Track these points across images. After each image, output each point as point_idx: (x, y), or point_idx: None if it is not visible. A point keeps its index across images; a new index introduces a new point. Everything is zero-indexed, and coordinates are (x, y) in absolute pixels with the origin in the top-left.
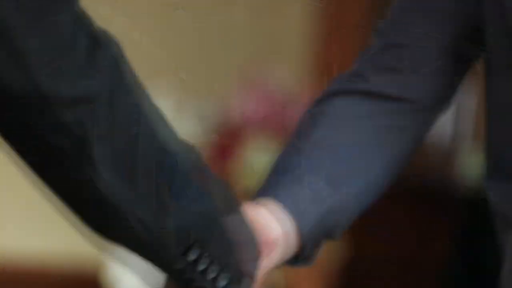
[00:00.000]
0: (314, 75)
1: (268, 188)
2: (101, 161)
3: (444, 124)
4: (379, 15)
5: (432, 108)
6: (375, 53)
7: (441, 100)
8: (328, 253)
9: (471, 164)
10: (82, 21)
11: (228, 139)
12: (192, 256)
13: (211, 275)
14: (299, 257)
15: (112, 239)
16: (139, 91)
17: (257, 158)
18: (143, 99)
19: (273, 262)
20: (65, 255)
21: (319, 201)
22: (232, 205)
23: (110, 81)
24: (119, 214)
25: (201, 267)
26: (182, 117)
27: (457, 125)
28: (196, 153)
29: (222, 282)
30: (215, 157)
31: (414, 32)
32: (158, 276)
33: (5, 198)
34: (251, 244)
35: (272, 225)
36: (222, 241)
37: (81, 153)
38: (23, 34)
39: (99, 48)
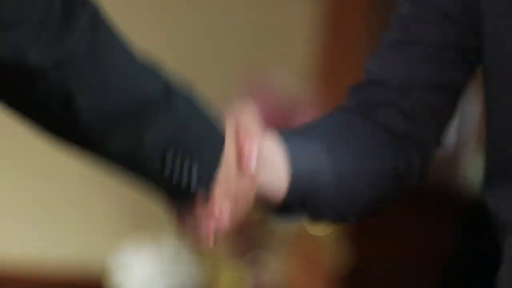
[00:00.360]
0: (317, 78)
1: (276, 134)
2: (84, 110)
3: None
4: (380, 17)
5: (421, 145)
6: (360, 90)
7: (430, 136)
8: (331, 257)
9: (474, 168)
10: None
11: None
12: (169, 162)
13: (185, 176)
14: (282, 205)
15: (97, 159)
16: (118, 40)
17: None
18: (121, 46)
19: (260, 180)
20: (68, 261)
21: (315, 160)
22: (201, 112)
23: (89, 38)
24: (100, 144)
25: (176, 167)
26: None
27: (461, 130)
28: (165, 76)
29: (195, 179)
30: None
31: (394, 69)
32: (160, 282)
33: (7, 204)
34: (218, 143)
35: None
36: (194, 143)
37: (66, 107)
38: (3, 3)
39: (75, 6)
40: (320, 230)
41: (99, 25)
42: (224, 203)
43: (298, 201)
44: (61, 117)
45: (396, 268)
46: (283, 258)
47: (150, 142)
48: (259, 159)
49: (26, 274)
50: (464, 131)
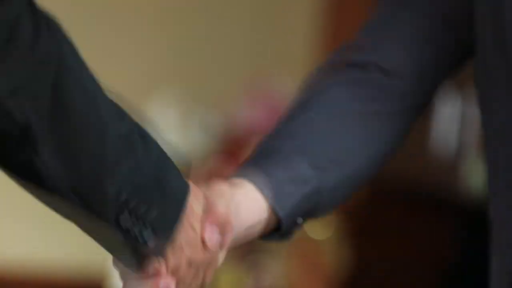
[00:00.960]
0: None
1: (250, 169)
2: (43, 144)
3: (449, 134)
4: None
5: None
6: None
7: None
8: (331, 259)
9: (475, 173)
10: (25, 7)
11: (233, 148)
12: (123, 220)
13: (138, 232)
14: (277, 234)
15: (49, 206)
16: (82, 72)
17: None
18: (87, 80)
19: (236, 237)
20: (69, 264)
21: (302, 183)
22: (166, 163)
23: (53, 69)
24: (56, 188)
25: (130, 226)
26: (188, 126)
27: (462, 135)
28: (133, 121)
29: (149, 236)
30: (220, 166)
31: (405, 29)
32: None
33: (7, 204)
34: (179, 203)
35: (235, 202)
36: (151, 199)
37: (24, 137)
38: None
39: (41, 33)
40: (320, 232)
41: (65, 54)
42: (172, 274)
43: (294, 226)
44: (17, 146)
45: (396, 268)
46: (283, 260)
47: (108, 192)
48: (225, 236)
49: (26, 276)
50: (465, 134)
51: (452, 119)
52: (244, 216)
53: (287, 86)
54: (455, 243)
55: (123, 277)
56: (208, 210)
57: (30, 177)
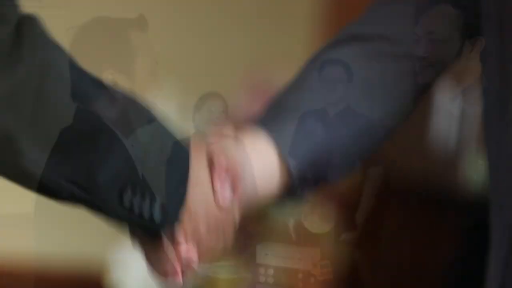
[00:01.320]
0: None
1: (263, 122)
2: (28, 148)
3: (449, 129)
4: None
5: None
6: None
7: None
8: (330, 256)
9: (475, 169)
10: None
11: None
12: (126, 200)
13: (146, 210)
14: (289, 192)
15: (52, 199)
16: (68, 71)
17: None
18: (73, 78)
19: (249, 194)
20: (67, 258)
21: (312, 138)
22: (162, 139)
23: (36, 81)
24: (51, 184)
25: (136, 206)
26: (186, 121)
27: (462, 130)
28: (119, 99)
29: (157, 211)
30: None
31: None
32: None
33: (7, 199)
34: (181, 176)
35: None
36: (154, 179)
37: (9, 146)
38: None
39: (24, 46)
40: (320, 228)
41: (46, 54)
42: (192, 240)
43: (306, 184)
44: (3, 154)
45: (396, 268)
46: (282, 257)
47: (104, 180)
48: (240, 191)
49: (25, 270)
50: (466, 132)
51: (452, 116)
52: (254, 165)
53: (286, 80)
54: (455, 243)
55: (142, 248)
56: (214, 167)
57: (19, 177)
